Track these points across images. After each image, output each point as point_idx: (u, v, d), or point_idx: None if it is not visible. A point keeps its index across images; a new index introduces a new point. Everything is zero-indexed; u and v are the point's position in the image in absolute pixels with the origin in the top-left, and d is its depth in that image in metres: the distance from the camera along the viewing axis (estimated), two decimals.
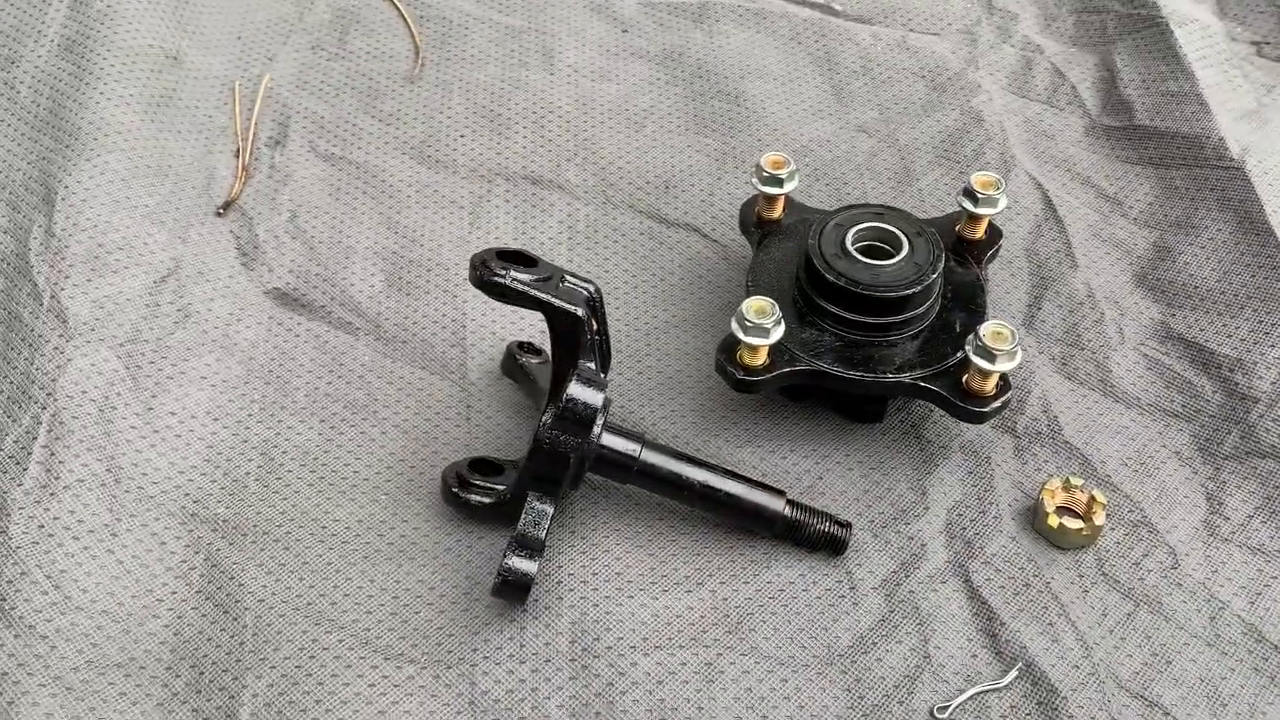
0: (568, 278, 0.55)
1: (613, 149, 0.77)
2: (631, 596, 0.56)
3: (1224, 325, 0.66)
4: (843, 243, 0.61)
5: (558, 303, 0.53)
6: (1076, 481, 0.60)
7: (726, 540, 0.59)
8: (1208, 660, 0.55)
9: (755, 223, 0.67)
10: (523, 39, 0.84)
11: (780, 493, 0.58)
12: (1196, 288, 0.68)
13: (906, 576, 0.58)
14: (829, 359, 0.60)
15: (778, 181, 0.65)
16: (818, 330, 0.61)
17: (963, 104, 0.79)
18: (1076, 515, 0.59)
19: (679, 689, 0.53)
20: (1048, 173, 0.75)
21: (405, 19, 0.84)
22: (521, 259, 0.54)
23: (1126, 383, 0.66)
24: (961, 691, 0.53)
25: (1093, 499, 0.59)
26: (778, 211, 0.67)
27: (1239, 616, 0.56)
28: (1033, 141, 0.77)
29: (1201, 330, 0.67)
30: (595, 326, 0.55)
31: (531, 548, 0.53)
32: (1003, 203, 0.64)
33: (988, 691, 0.53)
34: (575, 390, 0.53)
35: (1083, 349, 0.67)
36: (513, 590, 0.53)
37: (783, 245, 0.66)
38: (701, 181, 0.76)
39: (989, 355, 0.56)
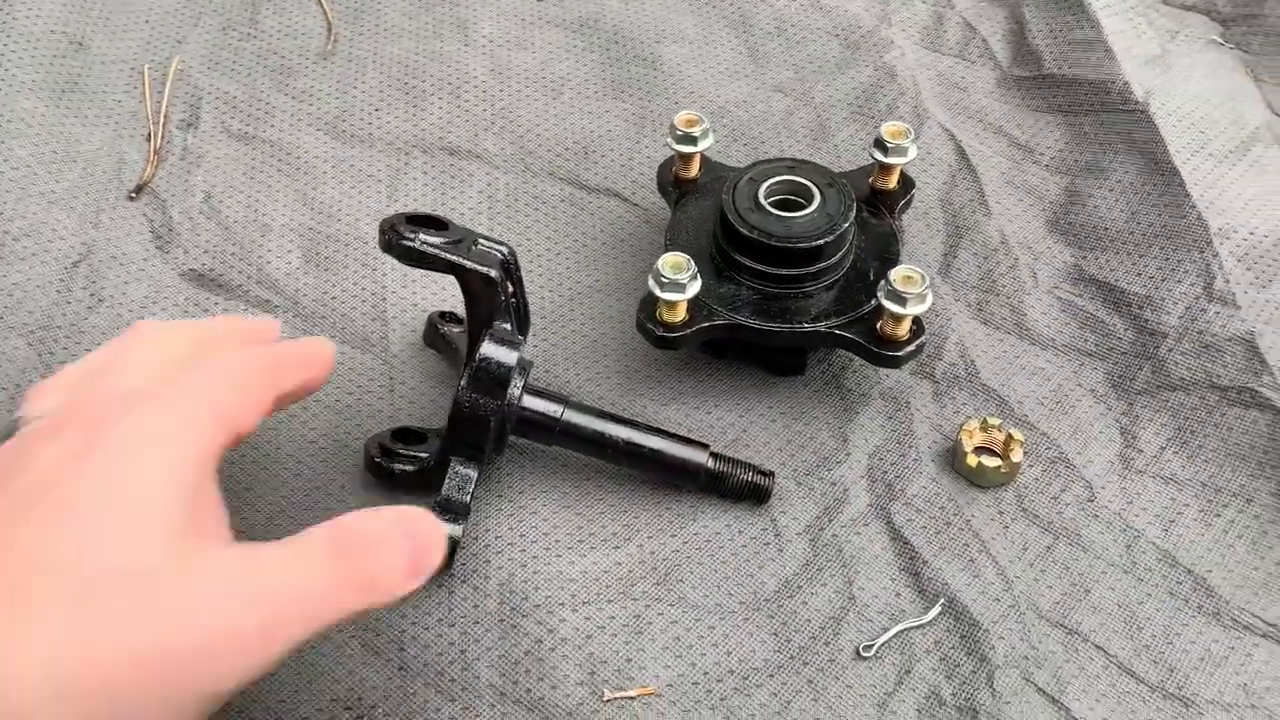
0: (481, 240, 0.55)
1: (530, 117, 0.77)
2: (559, 555, 0.57)
3: (1133, 264, 0.68)
4: (756, 197, 0.62)
5: (469, 264, 0.52)
6: (994, 421, 0.61)
7: (653, 496, 0.59)
8: (1125, 587, 0.56)
9: (672, 183, 0.68)
10: (436, 10, 0.83)
11: (703, 446, 0.58)
12: (1106, 229, 0.70)
13: (830, 521, 0.59)
14: (747, 312, 0.61)
15: (691, 140, 0.65)
16: (735, 285, 0.62)
17: (876, 60, 0.80)
18: (995, 454, 0.60)
19: (608, 642, 0.54)
20: (960, 124, 0.76)
21: None
22: (433, 222, 0.54)
23: (1041, 325, 0.67)
24: (886, 630, 0.54)
25: (1010, 437, 0.60)
26: (694, 170, 0.67)
27: (1153, 544, 0.58)
28: (945, 94, 0.78)
29: (1112, 270, 0.68)
30: (510, 289, 0.55)
31: (456, 512, 0.53)
32: (912, 152, 0.65)
33: (912, 628, 0.54)
34: (488, 349, 0.53)
35: (998, 294, 0.68)
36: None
37: (699, 203, 0.66)
38: (620, 146, 0.76)
39: (900, 299, 0.57)
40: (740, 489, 0.58)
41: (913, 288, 0.57)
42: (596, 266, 0.70)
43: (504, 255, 0.55)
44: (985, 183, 0.73)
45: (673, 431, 0.58)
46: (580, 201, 0.73)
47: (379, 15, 0.82)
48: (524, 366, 0.56)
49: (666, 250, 0.63)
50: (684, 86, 0.79)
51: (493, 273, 0.53)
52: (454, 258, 0.52)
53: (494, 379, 0.53)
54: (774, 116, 0.77)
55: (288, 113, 0.76)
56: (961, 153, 0.74)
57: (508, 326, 0.54)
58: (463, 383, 0.53)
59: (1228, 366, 0.63)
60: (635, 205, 0.73)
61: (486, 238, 0.55)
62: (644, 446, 0.57)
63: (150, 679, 0.37)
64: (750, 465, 0.59)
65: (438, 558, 0.43)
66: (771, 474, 0.59)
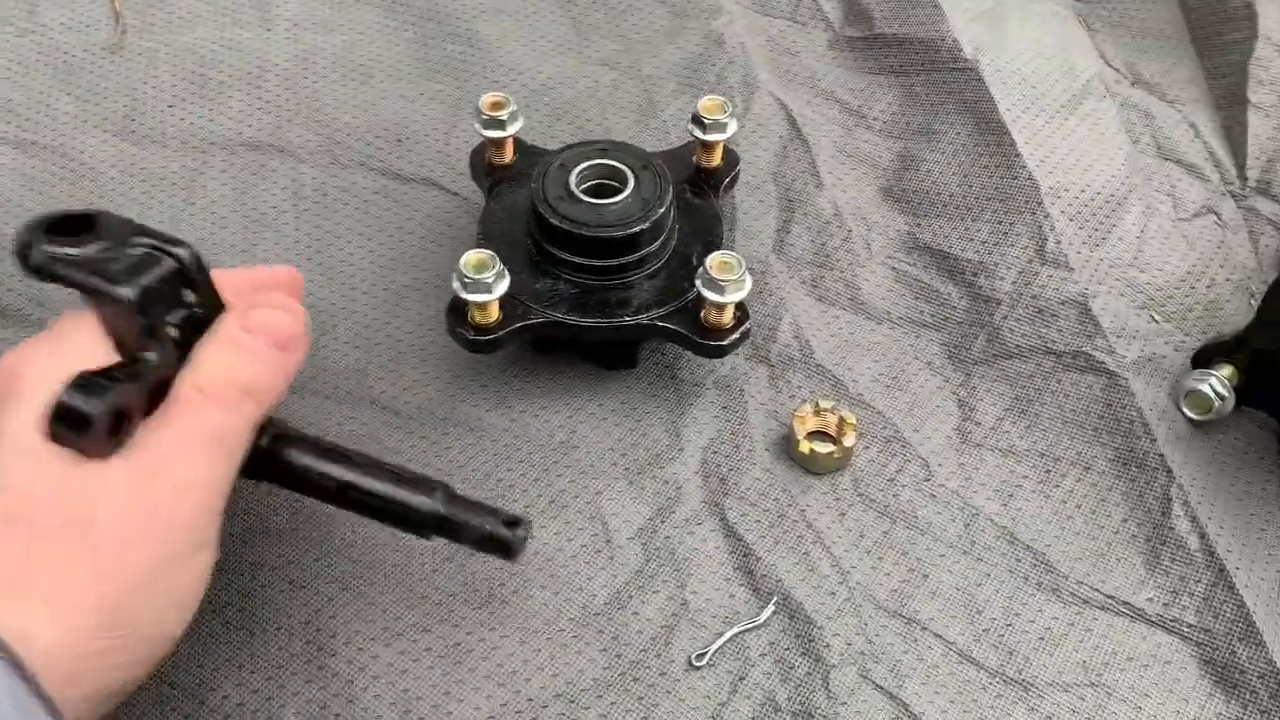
0: (141, 242, 0.45)
1: (338, 105, 0.72)
2: (370, 584, 0.53)
3: (966, 229, 0.66)
4: (567, 184, 0.58)
5: (94, 282, 0.43)
6: (826, 404, 0.59)
7: None
8: (964, 569, 0.55)
9: (486, 170, 0.64)
10: None
11: (435, 487, 0.47)
12: (939, 194, 0.68)
13: (663, 522, 0.56)
14: (565, 308, 0.57)
15: (499, 124, 0.61)
16: (552, 279, 0.58)
17: (704, 28, 0.77)
18: (828, 438, 0.58)
19: (424, 675, 0.50)
20: (792, 91, 0.74)
21: None
22: (82, 224, 0.44)
23: (876, 298, 0.65)
24: (720, 635, 0.52)
25: (843, 420, 0.58)
26: (508, 156, 0.63)
27: (992, 521, 0.57)
28: (776, 60, 0.76)
29: (945, 237, 0.66)
30: (193, 298, 0.46)
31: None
32: (732, 127, 0.62)
33: (745, 631, 0.52)
34: (65, 397, 0.40)
35: (832, 269, 0.66)
36: (69, 431, 0.41)
37: (514, 191, 0.62)
38: (436, 131, 0.71)
39: (717, 287, 0.54)
40: (480, 540, 0.47)
41: (730, 274, 0.54)
42: (414, 263, 0.66)
43: (176, 260, 0.45)
44: (817, 153, 0.70)
45: (404, 470, 0.48)
46: (395, 193, 0.68)
47: (172, 3, 0.76)
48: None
49: (479, 245, 0.59)
50: (503, 64, 0.75)
51: (124, 293, 0.42)
52: (75, 276, 0.43)
53: (74, 426, 0.40)
54: (600, 92, 0.74)
55: (71, 115, 0.70)
56: (793, 122, 0.72)
57: (150, 358, 0.44)
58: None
59: (1062, 331, 0.62)
60: (455, 194, 0.68)
61: (158, 236, 0.45)
62: (357, 488, 0.47)
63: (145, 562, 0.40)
64: (494, 512, 0.47)
65: (295, 326, 0.47)
66: (520, 522, 0.46)
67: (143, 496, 0.41)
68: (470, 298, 0.54)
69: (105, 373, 0.42)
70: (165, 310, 0.45)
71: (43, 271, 0.43)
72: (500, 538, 0.46)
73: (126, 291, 0.43)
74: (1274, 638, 0.52)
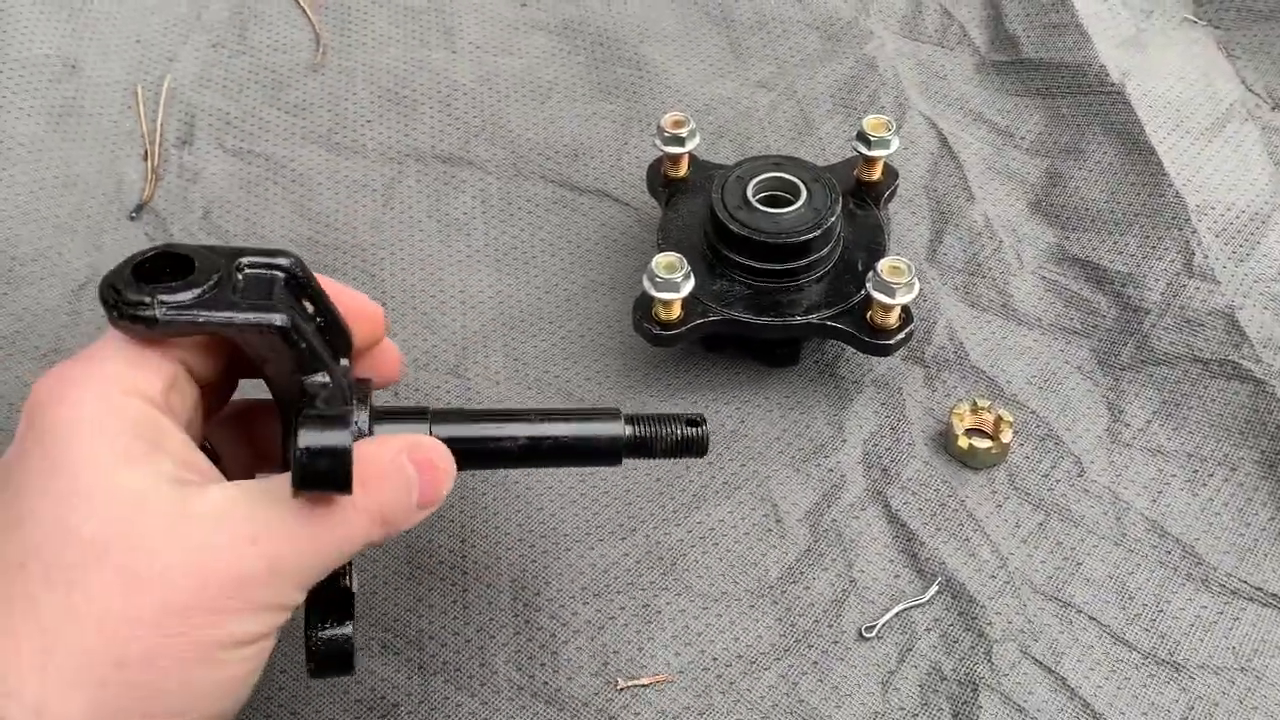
0: (245, 265, 0.41)
1: (520, 122, 0.78)
2: (568, 549, 0.58)
3: (1115, 243, 0.69)
4: (744, 194, 0.63)
5: (242, 319, 0.39)
6: (983, 403, 0.62)
7: (655, 487, 0.61)
8: (1116, 559, 0.58)
9: (662, 183, 0.69)
10: (422, 19, 0.85)
11: (614, 414, 0.49)
12: (1088, 210, 0.71)
13: (829, 507, 0.60)
14: (740, 307, 0.62)
15: (679, 140, 0.67)
16: (728, 281, 0.63)
17: (856, 52, 0.81)
18: (985, 435, 0.62)
19: (619, 632, 0.55)
20: (941, 112, 0.78)
21: (304, 8, 0.84)
22: (173, 262, 0.40)
23: (1027, 305, 0.69)
24: (887, 610, 0.56)
25: (1000, 418, 0.62)
26: (683, 170, 0.69)
27: (1143, 515, 0.60)
28: (926, 83, 0.80)
29: (1094, 249, 0.70)
30: (311, 309, 0.43)
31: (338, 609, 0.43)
32: (895, 144, 0.66)
33: (912, 608, 0.56)
34: (308, 439, 0.37)
35: (984, 277, 0.70)
36: (334, 664, 0.42)
37: (690, 202, 0.68)
38: (609, 147, 0.77)
39: (888, 289, 0.59)
40: (671, 448, 0.49)
41: (900, 278, 0.59)
42: (590, 266, 0.71)
43: (285, 271, 0.42)
44: (968, 169, 0.74)
45: (575, 408, 0.50)
46: (572, 203, 0.74)
47: (366, 26, 0.84)
48: (359, 416, 0.43)
49: (659, 250, 0.65)
50: (669, 85, 0.80)
51: (279, 320, 0.39)
52: (217, 318, 0.39)
53: (329, 476, 0.38)
54: (758, 112, 0.79)
55: (281, 127, 0.78)
56: (943, 140, 0.76)
57: (323, 382, 0.41)
58: (293, 478, 0.38)
59: (1209, 340, 0.65)
60: (626, 205, 0.74)
61: (255, 252, 0.42)
62: (546, 439, 0.47)
63: (160, 641, 0.36)
64: (675, 417, 0.49)
65: (447, 487, 0.43)
66: (700, 420, 0.50)
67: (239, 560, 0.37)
68: (660, 295, 0.60)
69: (321, 412, 0.39)
70: (306, 324, 0.41)
71: (174, 325, 0.39)
72: (689, 438, 0.48)
73: (279, 318, 0.39)
74: None
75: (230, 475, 0.41)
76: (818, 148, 0.77)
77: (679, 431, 0.49)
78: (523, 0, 0.86)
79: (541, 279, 0.71)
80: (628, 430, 0.48)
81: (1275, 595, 0.56)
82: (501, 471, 0.61)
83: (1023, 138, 0.76)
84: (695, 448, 0.49)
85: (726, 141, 0.77)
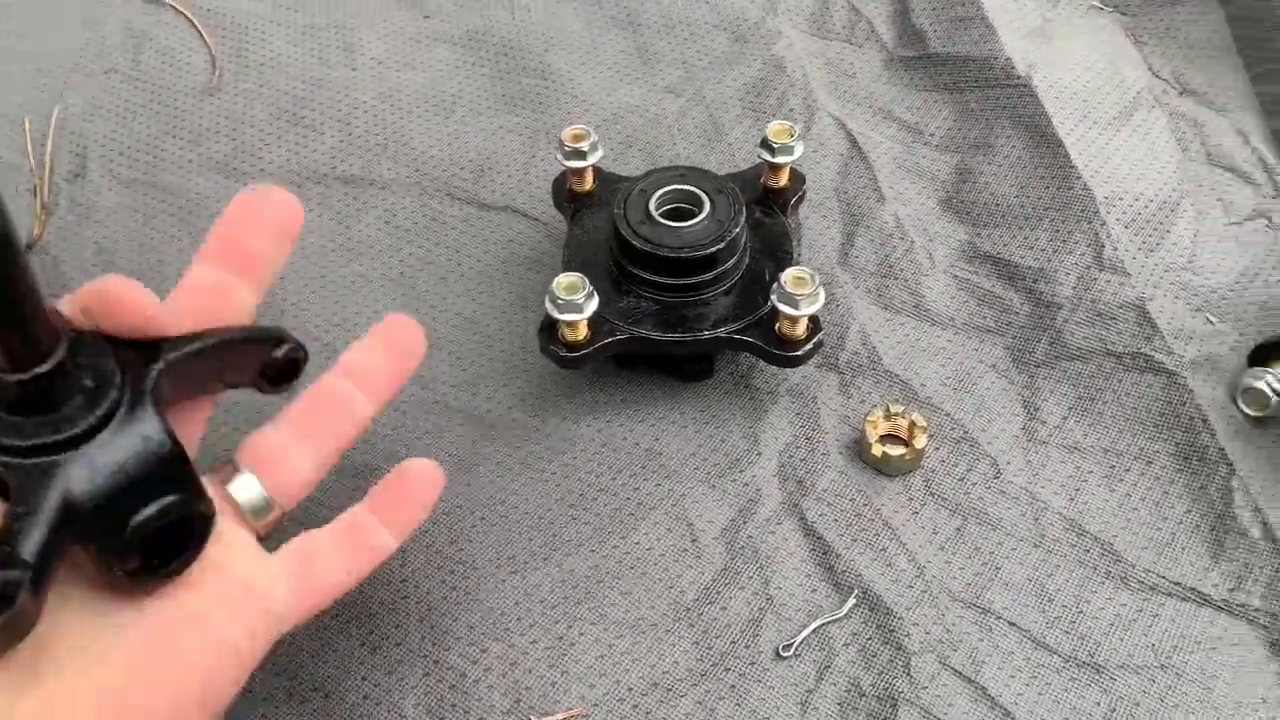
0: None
1: (424, 139, 0.76)
2: (479, 583, 0.57)
3: (1025, 238, 0.69)
4: (647, 208, 0.62)
5: None
6: (896, 409, 0.62)
7: (569, 513, 0.60)
8: (1034, 561, 0.58)
9: (567, 197, 0.68)
10: (321, 37, 0.83)
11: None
12: (998, 205, 0.71)
13: (745, 523, 0.59)
14: (648, 324, 0.61)
15: (580, 155, 0.66)
16: (635, 298, 0.62)
17: (764, 53, 0.80)
18: (900, 441, 0.61)
19: (532, 667, 0.54)
20: (850, 111, 0.77)
21: (199, 30, 0.82)
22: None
23: (940, 305, 0.68)
24: (804, 627, 0.55)
25: (913, 424, 0.61)
26: (587, 184, 0.67)
27: (1060, 514, 0.59)
28: (835, 82, 0.79)
29: (1005, 246, 0.69)
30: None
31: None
32: (799, 149, 0.65)
33: (829, 623, 0.56)
34: None
35: (896, 278, 0.69)
36: None
37: (595, 217, 0.66)
38: (516, 161, 0.76)
39: (792, 301, 0.58)
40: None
41: (804, 288, 0.58)
42: (500, 285, 0.70)
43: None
44: (877, 169, 0.74)
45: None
46: (480, 221, 0.73)
47: (264, 46, 0.81)
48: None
49: (565, 268, 0.63)
50: (575, 95, 0.79)
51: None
52: None
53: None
54: (667, 119, 0.78)
55: (177, 155, 0.75)
56: (853, 140, 0.75)
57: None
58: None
59: (1121, 333, 0.65)
60: (535, 220, 0.73)
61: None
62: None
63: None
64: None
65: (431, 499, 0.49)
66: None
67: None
68: (563, 317, 0.58)
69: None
70: None
71: None
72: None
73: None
74: None
75: None
76: (727, 154, 0.76)
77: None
78: (425, 13, 0.84)
79: (450, 301, 0.69)
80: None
81: (1193, 589, 0.56)
82: None
83: (932, 134, 0.75)
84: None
85: (635, 151, 0.76)
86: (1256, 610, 0.55)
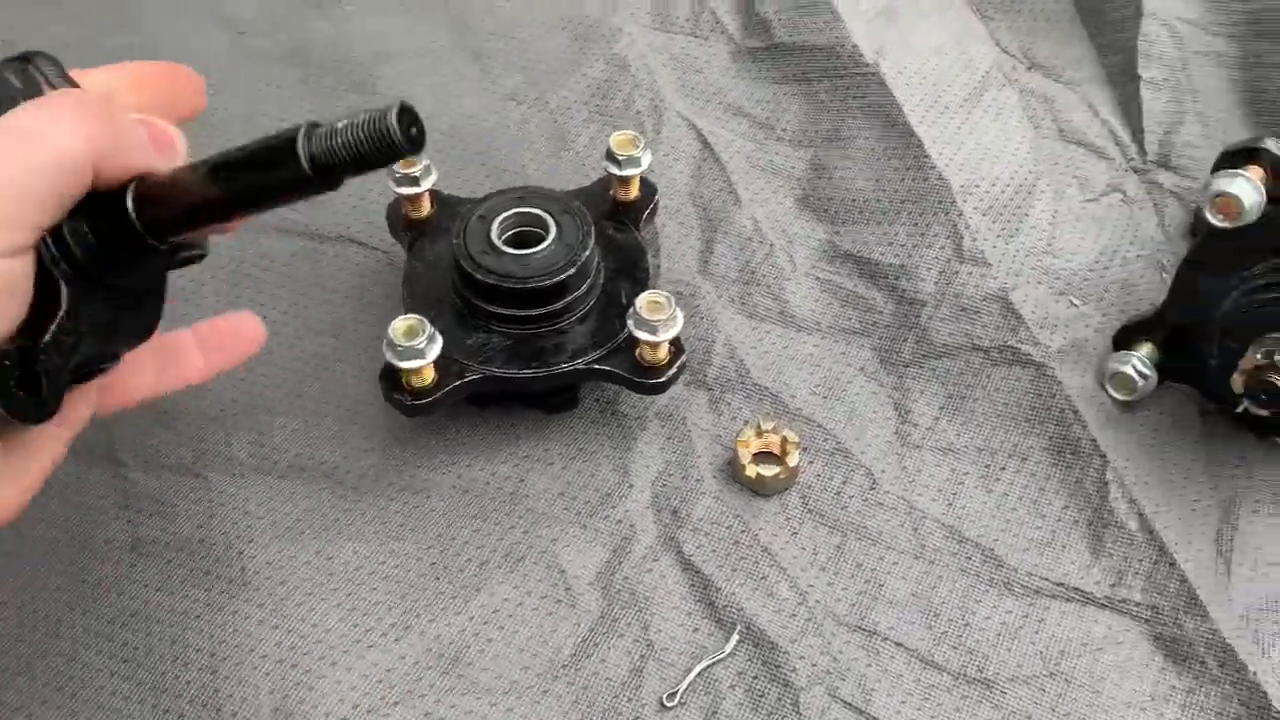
0: None
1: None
2: (335, 661, 0.53)
3: (884, 233, 0.67)
4: (488, 236, 0.58)
5: None
6: (767, 425, 0.59)
7: (430, 572, 0.56)
8: (917, 574, 0.56)
9: (404, 225, 0.63)
10: (127, 60, 0.75)
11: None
12: (855, 201, 0.69)
13: (620, 563, 0.56)
14: (499, 361, 0.57)
15: (413, 180, 0.61)
16: (484, 333, 0.58)
17: (607, 52, 0.77)
18: (774, 458, 0.59)
19: None
20: (700, 109, 0.74)
21: None
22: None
23: (804, 310, 0.66)
24: (688, 672, 0.53)
25: (785, 440, 0.59)
26: (425, 210, 0.63)
27: (939, 522, 0.58)
28: (682, 79, 0.76)
29: (865, 243, 0.67)
30: None
31: None
32: (647, 159, 0.62)
33: (713, 664, 0.53)
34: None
35: (759, 284, 0.67)
36: None
37: (435, 246, 0.62)
38: (349, 187, 0.70)
39: (650, 327, 0.55)
40: (364, 148, 0.39)
41: (660, 313, 0.55)
42: (344, 325, 0.65)
43: None
44: (731, 169, 0.71)
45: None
46: (314, 255, 0.68)
47: None
48: None
49: (405, 305, 0.59)
50: None
51: None
52: None
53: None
54: (509, 129, 0.73)
55: None
56: (704, 141, 0.72)
57: None
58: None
59: (986, 326, 0.63)
60: (375, 249, 0.68)
61: None
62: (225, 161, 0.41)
63: None
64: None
65: (180, 144, 0.43)
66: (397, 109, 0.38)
67: None
68: (404, 365, 0.54)
69: None
70: None
71: None
72: (380, 130, 0.38)
73: None
74: (1217, 609, 0.54)
75: None
76: (576, 163, 0.72)
77: (367, 125, 0.38)
78: (239, 29, 0.78)
79: (286, 345, 0.64)
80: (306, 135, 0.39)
81: (1076, 589, 0.55)
82: (250, 582, 0.54)
83: (784, 129, 0.73)
84: (392, 145, 0.38)
85: (477, 166, 0.72)
86: (1138, 605, 0.55)
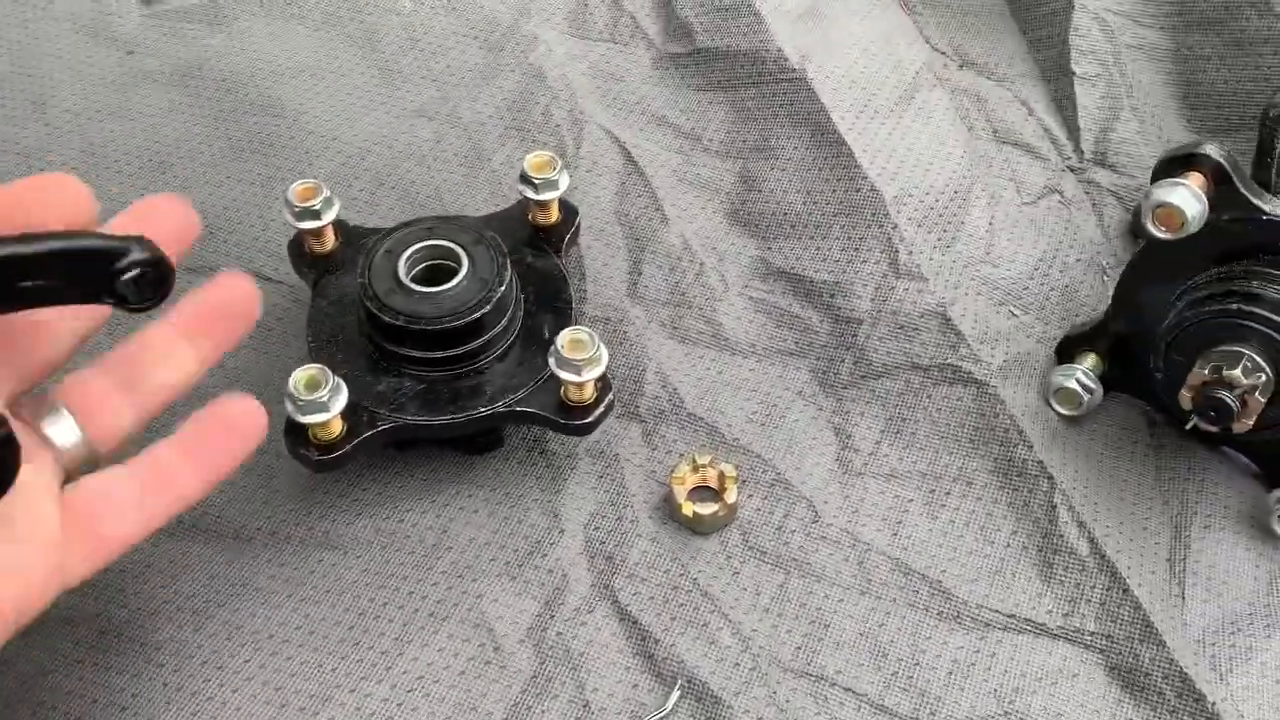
0: None
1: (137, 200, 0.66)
2: None
3: (818, 249, 0.64)
4: (395, 273, 0.54)
5: None
6: (703, 459, 0.56)
7: (349, 637, 0.52)
8: (864, 611, 0.54)
9: (307, 261, 0.59)
10: (4, 88, 0.70)
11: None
12: (786, 215, 0.66)
13: (552, 617, 0.53)
14: (414, 407, 0.53)
15: (314, 214, 0.57)
16: (395, 376, 0.54)
17: (522, 62, 0.73)
18: (712, 493, 0.56)
19: None
20: (622, 120, 0.71)
21: None
22: None
23: (738, 332, 0.63)
24: None
25: (722, 474, 0.56)
26: (329, 244, 0.59)
27: (884, 554, 0.55)
28: (602, 88, 0.72)
29: (798, 259, 0.64)
30: None
31: None
32: (565, 181, 0.58)
33: None
34: None
35: (690, 306, 0.63)
36: None
37: (342, 283, 0.58)
38: (250, 216, 0.66)
39: (573, 367, 0.51)
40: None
41: (583, 352, 0.51)
42: (249, 368, 0.61)
43: None
44: (657, 185, 0.68)
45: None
46: None
47: None
48: None
49: (310, 350, 0.55)
50: (313, 131, 0.69)
51: None
52: None
53: None
54: (421, 148, 0.69)
55: None
56: (628, 155, 0.69)
57: None
58: None
59: (925, 344, 0.61)
60: (281, 284, 0.64)
61: None
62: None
63: None
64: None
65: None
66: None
67: None
68: (305, 420, 0.50)
69: None
70: None
71: None
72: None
73: None
74: (1172, 635, 0.52)
75: None
76: (493, 183, 0.68)
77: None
78: (128, 48, 0.73)
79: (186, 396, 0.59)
80: None
81: (1028, 620, 0.53)
82: (152, 658, 0.50)
83: (710, 140, 0.70)
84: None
85: (388, 190, 0.67)
86: (1092, 634, 0.53)
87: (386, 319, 0.53)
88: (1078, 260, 0.66)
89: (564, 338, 0.52)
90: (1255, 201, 0.51)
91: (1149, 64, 0.71)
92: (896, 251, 0.62)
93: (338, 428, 0.52)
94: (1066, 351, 0.60)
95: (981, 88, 0.73)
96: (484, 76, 0.72)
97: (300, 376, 0.50)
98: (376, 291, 0.53)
